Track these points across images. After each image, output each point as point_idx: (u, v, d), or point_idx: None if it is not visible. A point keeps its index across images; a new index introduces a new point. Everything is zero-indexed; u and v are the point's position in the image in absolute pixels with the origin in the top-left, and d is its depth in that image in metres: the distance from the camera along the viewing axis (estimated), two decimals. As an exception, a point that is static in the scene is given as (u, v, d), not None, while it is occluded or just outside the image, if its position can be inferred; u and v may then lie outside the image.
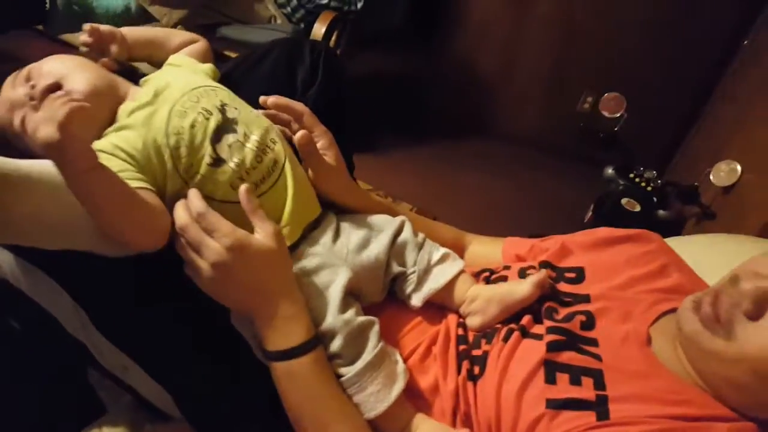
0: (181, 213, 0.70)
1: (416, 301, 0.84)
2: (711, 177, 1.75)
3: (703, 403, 0.67)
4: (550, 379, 0.70)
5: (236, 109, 0.79)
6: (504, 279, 0.90)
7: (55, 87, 0.73)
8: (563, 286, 0.86)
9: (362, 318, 0.76)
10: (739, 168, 1.73)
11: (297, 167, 0.83)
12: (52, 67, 0.76)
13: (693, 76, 2.51)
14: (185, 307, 0.77)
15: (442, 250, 0.88)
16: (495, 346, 0.77)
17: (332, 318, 0.74)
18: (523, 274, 0.88)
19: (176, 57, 0.90)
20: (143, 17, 2.14)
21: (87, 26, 0.84)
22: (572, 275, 0.88)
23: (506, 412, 0.70)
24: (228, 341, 0.80)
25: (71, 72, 0.76)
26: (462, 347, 0.81)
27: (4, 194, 0.62)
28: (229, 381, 0.80)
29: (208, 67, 0.90)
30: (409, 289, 0.85)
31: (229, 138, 0.76)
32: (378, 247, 0.84)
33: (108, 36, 0.85)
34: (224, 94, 0.81)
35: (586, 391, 0.68)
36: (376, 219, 0.89)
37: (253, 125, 0.79)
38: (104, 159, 0.68)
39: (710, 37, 2.42)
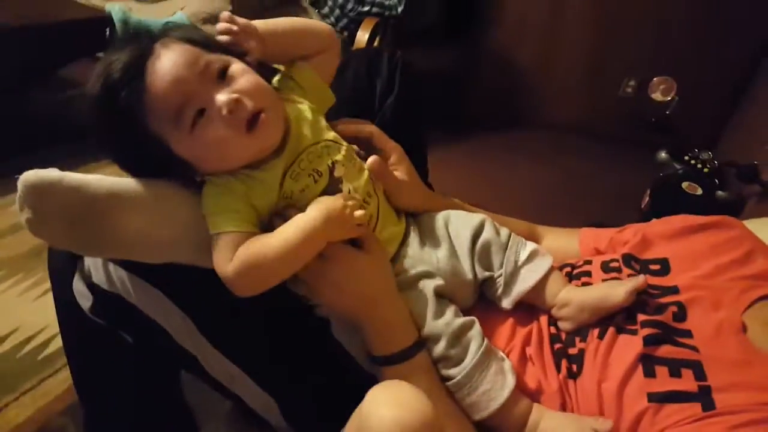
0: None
1: (507, 304, 0.84)
2: (771, 156, 1.73)
3: None
4: (650, 373, 0.71)
5: (344, 166, 0.79)
6: (587, 274, 0.90)
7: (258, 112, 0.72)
8: (649, 279, 0.86)
9: (462, 319, 0.78)
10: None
11: (384, 204, 0.85)
12: (257, 89, 0.72)
13: (736, 54, 2.48)
14: (291, 318, 0.81)
15: (529, 248, 0.86)
16: (591, 343, 0.78)
17: (432, 322, 0.77)
18: (606, 267, 0.89)
19: (304, 76, 0.84)
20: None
21: (225, 14, 0.76)
22: (657, 267, 0.89)
23: (608, 409, 0.71)
24: (334, 353, 0.83)
25: (268, 102, 0.73)
26: (557, 346, 0.81)
27: (117, 212, 0.67)
28: (335, 392, 0.80)
29: (330, 98, 0.88)
30: (498, 292, 0.84)
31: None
32: (462, 255, 0.85)
33: (246, 28, 0.76)
34: (336, 150, 0.80)
35: (687, 382, 0.69)
36: (455, 220, 0.89)
37: (355, 181, 0.79)
38: (217, 192, 0.72)
39: (752, 12, 2.39)
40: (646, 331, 0.76)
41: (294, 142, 0.76)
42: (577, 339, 0.81)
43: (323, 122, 0.82)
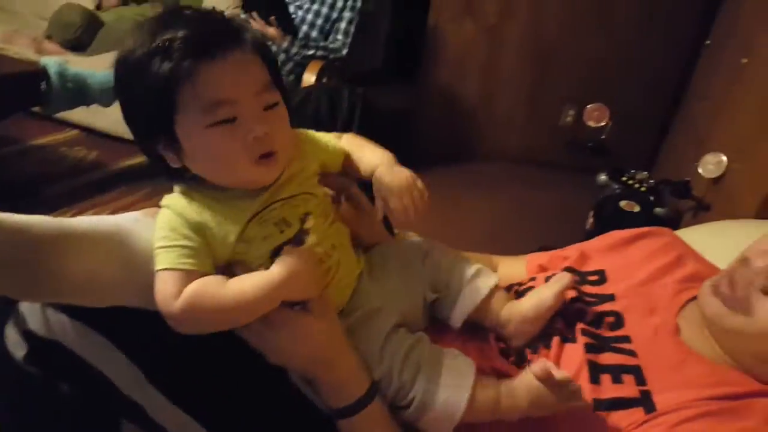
0: None
1: (455, 322, 0.85)
2: (700, 170, 1.83)
3: (740, 381, 0.71)
4: (595, 380, 0.74)
5: (315, 219, 0.77)
6: (531, 289, 0.92)
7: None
8: (588, 288, 0.90)
9: (409, 340, 0.78)
10: (724, 158, 1.82)
11: (346, 252, 0.84)
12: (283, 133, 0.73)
13: (666, 77, 2.64)
14: (246, 364, 0.78)
15: (474, 267, 0.87)
16: (540, 354, 0.81)
17: (381, 360, 0.76)
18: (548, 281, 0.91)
19: (335, 153, 0.87)
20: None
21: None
22: (595, 278, 0.93)
23: (561, 420, 0.72)
24: (292, 398, 0.81)
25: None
26: (510, 359, 0.83)
27: (63, 253, 0.65)
28: None
29: (341, 151, 0.88)
30: (447, 312, 0.85)
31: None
32: (411, 280, 0.86)
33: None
34: (312, 201, 0.79)
35: (629, 388, 0.71)
36: (404, 247, 0.91)
37: (322, 233, 0.78)
38: (172, 225, 0.70)
39: (675, 38, 2.57)
40: (585, 339, 0.79)
41: (275, 190, 0.75)
42: (528, 351, 0.83)
43: (314, 179, 0.82)
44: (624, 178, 2.00)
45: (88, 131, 2.82)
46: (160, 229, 0.71)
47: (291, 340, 0.72)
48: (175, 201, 0.73)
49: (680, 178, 1.98)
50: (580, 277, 0.94)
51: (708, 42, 1.93)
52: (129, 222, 0.75)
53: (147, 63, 0.64)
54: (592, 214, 1.98)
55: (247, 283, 0.68)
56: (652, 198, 1.81)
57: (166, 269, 0.68)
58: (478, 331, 0.88)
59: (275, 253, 0.72)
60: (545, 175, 2.73)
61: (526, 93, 2.89)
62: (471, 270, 0.86)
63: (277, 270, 0.68)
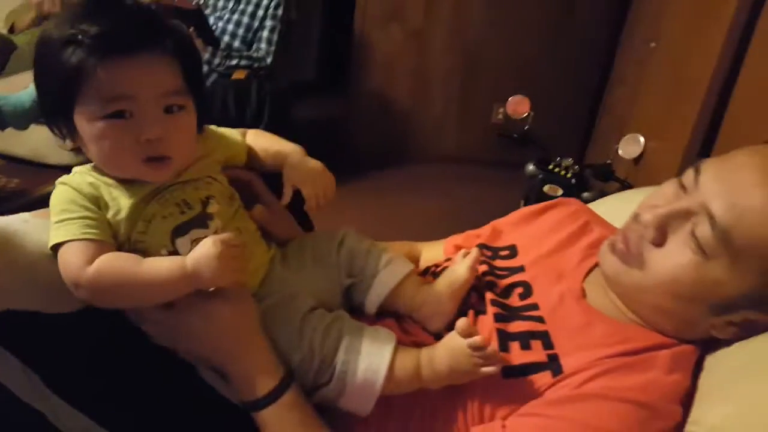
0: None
1: (370, 307, 0.84)
2: (620, 152, 1.90)
3: (643, 337, 0.72)
4: (504, 348, 0.74)
5: (218, 204, 0.77)
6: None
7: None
8: (499, 263, 0.91)
9: (329, 317, 0.77)
10: (642, 139, 1.89)
11: (253, 236, 0.83)
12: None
13: (587, 66, 2.75)
14: (152, 363, 0.76)
15: (389, 254, 0.86)
16: None
17: (301, 337, 0.74)
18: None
19: (238, 147, 0.88)
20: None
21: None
22: (506, 252, 0.94)
23: (474, 389, 0.72)
24: (203, 396, 0.77)
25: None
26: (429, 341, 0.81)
27: None
28: None
29: (244, 145, 0.89)
30: (361, 297, 0.84)
31: (197, 233, 0.74)
32: (326, 266, 0.85)
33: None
34: (215, 187, 0.78)
35: (537, 353, 0.72)
36: (319, 237, 0.90)
37: (226, 218, 0.77)
38: (69, 198, 0.69)
39: (594, 30, 2.68)
40: (495, 309, 0.79)
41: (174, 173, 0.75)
42: (446, 333, 0.81)
43: (217, 166, 0.82)
44: (550, 167, 2.04)
45: (8, 159, 2.70)
46: (57, 204, 0.69)
47: (202, 327, 0.71)
48: (71, 178, 0.72)
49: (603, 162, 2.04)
50: (493, 252, 0.94)
51: (653, 44, 2.01)
52: (17, 223, 0.72)
53: (58, 49, 0.65)
54: (522, 203, 2.01)
55: (164, 265, 0.67)
56: (573, 181, 1.84)
57: (70, 240, 0.66)
58: (397, 319, 0.86)
59: (176, 233, 0.72)
60: (478, 172, 2.78)
61: (456, 93, 2.94)
62: (385, 257, 0.86)
63: (192, 257, 0.68)
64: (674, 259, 0.68)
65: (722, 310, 0.68)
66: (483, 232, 1.03)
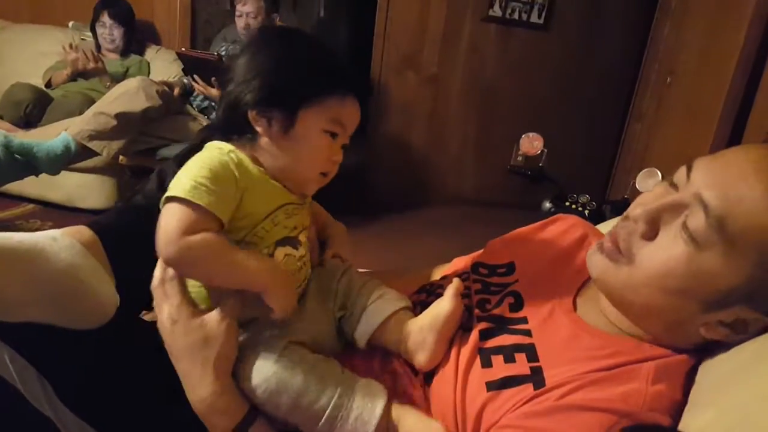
0: (156, 273, 0.73)
1: (361, 343, 0.81)
2: (637, 185, 1.87)
3: (632, 350, 0.69)
4: (487, 363, 0.72)
5: (305, 235, 0.84)
6: (441, 286, 0.89)
7: None
8: (495, 279, 0.89)
9: (315, 357, 0.75)
10: (659, 173, 1.86)
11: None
12: None
13: (607, 104, 2.75)
14: (156, 383, 0.76)
15: (382, 290, 0.84)
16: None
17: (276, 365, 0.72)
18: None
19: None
20: (83, 153, 2.23)
21: None
22: (503, 270, 0.92)
23: (455, 409, 0.70)
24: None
25: None
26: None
27: None
28: None
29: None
30: (352, 332, 0.82)
31: (290, 250, 0.79)
32: (328, 299, 0.84)
33: None
34: (309, 221, 0.87)
35: (520, 366, 0.70)
36: (323, 271, 0.88)
37: (304, 250, 0.83)
38: (222, 170, 0.72)
39: (612, 68, 2.70)
40: (483, 325, 0.77)
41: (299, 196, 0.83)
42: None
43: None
44: (567, 203, 2.02)
45: (43, 204, 2.81)
46: (206, 165, 0.70)
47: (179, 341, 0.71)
48: (228, 152, 0.74)
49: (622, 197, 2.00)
50: (489, 270, 0.93)
51: (669, 80, 2.02)
52: (46, 240, 0.74)
53: (326, 60, 0.78)
54: (539, 240, 1.98)
55: (254, 259, 0.71)
56: (586, 212, 1.82)
57: (196, 204, 0.67)
58: (384, 356, 0.83)
59: (280, 242, 0.77)
60: (496, 213, 2.76)
61: (473, 136, 2.96)
62: (378, 292, 0.84)
63: (281, 268, 0.75)
64: (666, 251, 0.66)
65: (714, 306, 0.65)
66: (483, 250, 1.02)
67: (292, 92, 0.76)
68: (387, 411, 0.71)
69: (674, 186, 0.70)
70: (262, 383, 0.71)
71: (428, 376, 0.77)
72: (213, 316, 0.71)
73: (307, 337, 0.78)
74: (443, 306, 0.78)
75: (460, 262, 1.06)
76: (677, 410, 0.64)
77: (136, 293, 0.75)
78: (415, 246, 2.63)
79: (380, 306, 0.82)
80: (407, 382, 0.78)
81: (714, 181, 0.65)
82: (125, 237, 0.85)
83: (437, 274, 1.08)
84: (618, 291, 0.72)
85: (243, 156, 0.75)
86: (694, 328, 0.68)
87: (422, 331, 0.77)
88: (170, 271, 0.72)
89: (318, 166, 0.79)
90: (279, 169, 0.77)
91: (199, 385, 0.70)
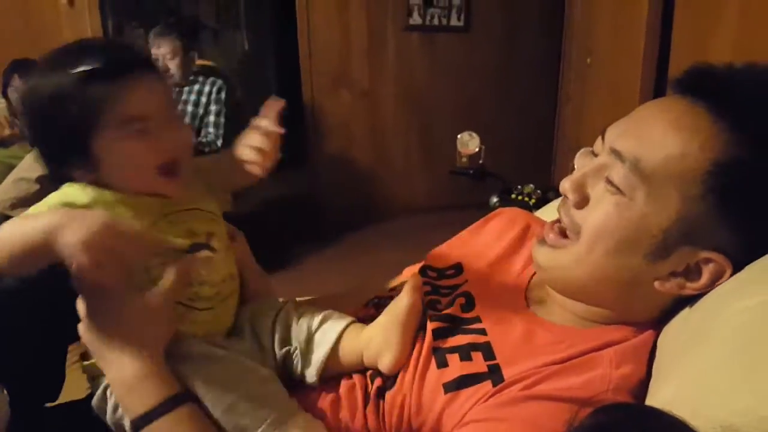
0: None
1: (311, 378, 0.76)
2: (576, 167, 1.88)
3: (589, 338, 0.68)
4: (442, 363, 0.70)
5: (219, 242, 0.79)
6: (391, 297, 0.85)
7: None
8: (444, 282, 0.88)
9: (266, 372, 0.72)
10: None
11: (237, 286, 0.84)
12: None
13: (534, 93, 2.80)
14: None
15: (321, 315, 0.79)
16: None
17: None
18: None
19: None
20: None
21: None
22: (452, 272, 0.91)
23: (414, 415, 0.68)
24: None
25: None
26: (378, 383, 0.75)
27: None
28: None
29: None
30: (299, 368, 0.77)
31: (205, 252, 0.75)
32: (263, 341, 0.79)
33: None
34: (217, 224, 0.81)
35: (477, 365, 0.68)
36: (258, 309, 0.83)
37: (223, 260, 0.79)
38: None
39: (537, 56, 2.76)
40: (436, 324, 0.75)
41: (178, 200, 0.76)
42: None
43: (217, 206, 0.84)
44: (513, 195, 2.02)
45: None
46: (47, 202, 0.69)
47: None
48: (67, 190, 0.71)
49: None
50: (438, 273, 0.91)
51: (589, 60, 2.06)
52: None
53: (64, 90, 0.68)
54: (491, 236, 1.98)
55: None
56: (532, 202, 1.82)
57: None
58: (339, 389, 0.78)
59: (192, 250, 0.74)
60: (448, 216, 2.75)
61: (414, 144, 2.98)
62: (319, 317, 0.79)
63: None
64: (597, 210, 0.67)
65: (658, 255, 0.65)
66: (432, 255, 1.00)
67: (59, 142, 0.71)
68: None
69: (594, 154, 0.71)
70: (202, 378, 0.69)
71: (382, 391, 0.72)
72: (152, 295, 0.69)
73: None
74: (402, 300, 0.75)
75: (409, 272, 1.04)
76: (643, 388, 0.64)
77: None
78: (374, 262, 2.60)
79: (328, 328, 0.77)
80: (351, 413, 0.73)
81: (622, 130, 0.68)
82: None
83: (386, 287, 1.06)
84: (569, 275, 0.71)
85: (88, 190, 0.71)
86: (649, 288, 0.67)
87: (384, 329, 0.74)
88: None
89: (146, 170, 0.71)
90: (126, 188, 0.72)
91: (142, 357, 0.67)
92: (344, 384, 0.76)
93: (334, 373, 0.76)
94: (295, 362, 0.77)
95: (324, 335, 0.76)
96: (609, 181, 0.65)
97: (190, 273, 0.72)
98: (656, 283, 0.67)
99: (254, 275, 0.88)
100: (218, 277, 0.77)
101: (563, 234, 0.71)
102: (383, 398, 0.72)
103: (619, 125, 0.69)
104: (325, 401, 0.74)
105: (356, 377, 0.77)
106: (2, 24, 2.84)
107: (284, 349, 0.77)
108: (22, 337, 0.74)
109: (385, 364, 0.72)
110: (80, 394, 0.78)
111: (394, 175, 3.05)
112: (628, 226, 0.65)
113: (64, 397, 0.82)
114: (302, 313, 0.80)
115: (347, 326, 0.76)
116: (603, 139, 0.70)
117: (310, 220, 3.12)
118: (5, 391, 0.72)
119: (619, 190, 0.64)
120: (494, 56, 2.82)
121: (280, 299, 0.87)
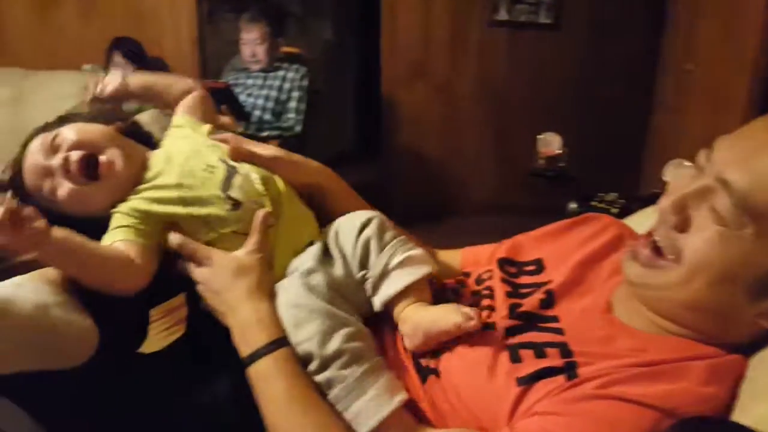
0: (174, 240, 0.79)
1: (377, 305, 0.78)
2: (666, 179, 1.79)
3: (676, 348, 0.66)
4: (516, 359, 0.69)
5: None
6: (462, 284, 0.88)
7: (90, 157, 0.81)
8: (524, 279, 0.86)
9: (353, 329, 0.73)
10: (687, 164, 1.77)
11: (286, 201, 0.86)
12: (81, 137, 0.82)
13: (626, 99, 2.67)
14: (149, 417, 0.76)
15: (408, 253, 0.79)
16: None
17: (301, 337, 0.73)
18: (479, 280, 0.87)
19: (179, 118, 0.94)
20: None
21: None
22: (532, 267, 0.88)
23: (480, 404, 0.68)
24: None
25: (102, 143, 0.83)
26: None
27: None
28: None
29: (207, 128, 0.93)
30: (369, 293, 0.79)
31: (238, 180, 0.81)
32: (347, 256, 0.80)
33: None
34: (222, 150, 0.86)
35: (554, 360, 0.67)
36: (345, 222, 0.84)
37: (248, 167, 0.84)
38: (119, 218, 0.79)
39: (630, 60, 2.63)
40: (510, 322, 0.75)
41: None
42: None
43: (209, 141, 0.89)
44: (593, 203, 1.95)
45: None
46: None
47: (208, 275, 0.78)
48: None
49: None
50: (517, 268, 0.89)
51: (689, 66, 1.96)
52: (11, 289, 0.74)
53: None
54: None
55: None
56: (614, 211, 1.75)
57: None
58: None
59: (225, 187, 0.81)
60: (519, 217, 2.69)
61: (490, 141, 2.93)
62: (403, 255, 0.79)
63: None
64: (699, 238, 0.64)
65: (761, 291, 0.62)
66: (502, 246, 0.96)
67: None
68: (400, 412, 0.69)
69: (700, 170, 0.67)
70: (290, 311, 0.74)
71: (435, 370, 0.73)
72: (243, 251, 0.78)
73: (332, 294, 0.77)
74: (447, 321, 0.73)
75: (473, 253, 1.01)
76: (726, 412, 0.61)
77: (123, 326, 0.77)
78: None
79: (403, 274, 0.78)
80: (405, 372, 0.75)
81: (734, 157, 0.63)
82: None
83: (443, 256, 1.03)
84: (660, 295, 0.68)
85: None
86: (747, 321, 0.64)
87: (417, 328, 0.75)
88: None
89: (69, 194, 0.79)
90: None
91: (239, 308, 0.76)
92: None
93: (390, 311, 0.79)
94: (368, 287, 0.80)
95: (400, 277, 0.78)
96: (713, 210, 0.62)
97: (267, 228, 0.79)
98: (756, 318, 0.64)
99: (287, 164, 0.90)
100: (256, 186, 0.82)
101: (658, 253, 0.68)
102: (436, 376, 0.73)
103: (730, 148, 0.64)
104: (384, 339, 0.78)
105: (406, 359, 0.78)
106: (106, 6, 3.10)
107: (361, 273, 0.80)
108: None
109: (405, 345, 0.76)
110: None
111: (466, 171, 3.01)
112: (730, 260, 0.62)
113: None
114: (388, 241, 0.81)
115: (422, 278, 0.78)
116: (710, 154, 0.66)
117: (378, 210, 3.13)
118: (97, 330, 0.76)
119: (723, 222, 0.61)
120: (583, 56, 2.71)
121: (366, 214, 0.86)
